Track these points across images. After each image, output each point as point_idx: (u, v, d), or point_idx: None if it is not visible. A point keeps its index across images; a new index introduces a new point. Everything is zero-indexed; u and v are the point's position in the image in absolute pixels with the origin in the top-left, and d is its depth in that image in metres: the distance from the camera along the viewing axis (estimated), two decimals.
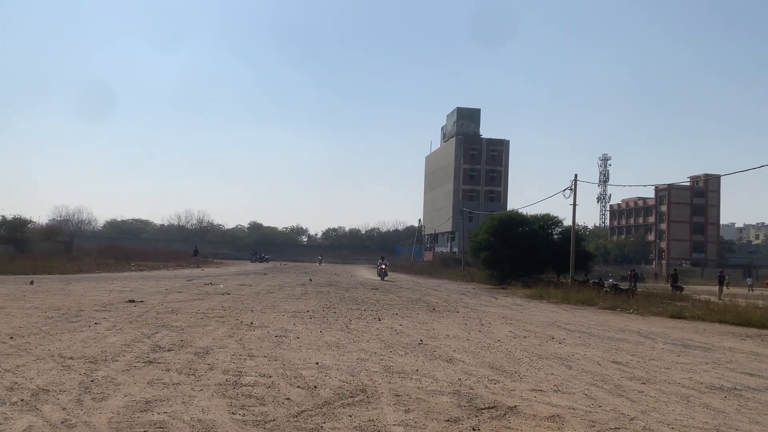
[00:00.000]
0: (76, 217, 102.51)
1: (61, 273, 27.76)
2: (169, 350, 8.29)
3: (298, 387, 6.41)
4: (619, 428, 5.47)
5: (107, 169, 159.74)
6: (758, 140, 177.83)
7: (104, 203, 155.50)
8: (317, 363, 7.81)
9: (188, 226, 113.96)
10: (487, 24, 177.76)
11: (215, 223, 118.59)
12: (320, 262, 71.54)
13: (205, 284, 23.99)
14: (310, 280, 31.66)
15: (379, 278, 36.13)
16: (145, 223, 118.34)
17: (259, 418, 5.17)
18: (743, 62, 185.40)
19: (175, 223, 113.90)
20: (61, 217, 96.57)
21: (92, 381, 6.27)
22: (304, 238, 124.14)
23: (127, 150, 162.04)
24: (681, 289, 32.27)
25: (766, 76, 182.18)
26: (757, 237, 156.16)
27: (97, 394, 5.77)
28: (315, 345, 9.36)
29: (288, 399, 5.87)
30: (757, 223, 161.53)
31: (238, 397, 5.88)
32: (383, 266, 37.72)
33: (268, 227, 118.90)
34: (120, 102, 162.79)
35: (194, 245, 59.70)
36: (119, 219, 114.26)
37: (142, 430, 4.72)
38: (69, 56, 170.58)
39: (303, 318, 13.15)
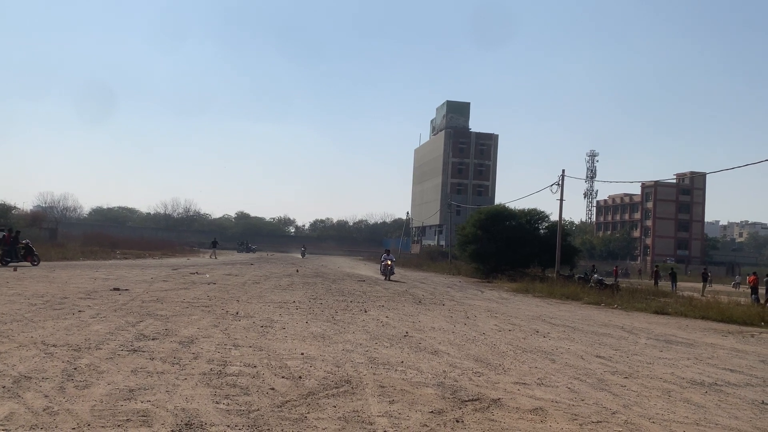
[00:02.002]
0: (61, 204, 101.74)
1: (45, 260, 27.50)
2: (153, 339, 8.26)
3: (283, 377, 6.41)
4: (601, 422, 5.53)
5: (93, 156, 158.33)
6: (744, 139, 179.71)
7: (90, 191, 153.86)
8: (302, 354, 7.81)
9: (175, 214, 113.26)
10: (481, 20, 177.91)
11: (202, 212, 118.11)
12: (303, 254, 61.73)
13: (191, 273, 23.89)
14: (297, 271, 31.62)
15: (384, 277, 29.15)
16: (131, 211, 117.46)
17: (243, 408, 5.17)
18: (730, 62, 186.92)
19: (162, 212, 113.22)
20: (45, 203, 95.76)
21: (75, 369, 6.23)
22: (292, 229, 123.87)
23: (114, 138, 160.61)
24: (657, 282, 33.46)
25: (753, 76, 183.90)
26: (740, 235, 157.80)
27: (80, 381, 5.73)
28: (301, 336, 9.36)
29: (272, 389, 5.87)
30: (741, 221, 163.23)
31: (222, 386, 5.87)
32: (389, 262, 29.53)
33: (255, 217, 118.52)
34: (109, 90, 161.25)
35: (213, 237, 56.44)
36: (105, 207, 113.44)
37: (125, 418, 4.70)
38: (54, 43, 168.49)
39: (289, 309, 13.14)
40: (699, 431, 5.45)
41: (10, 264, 23.43)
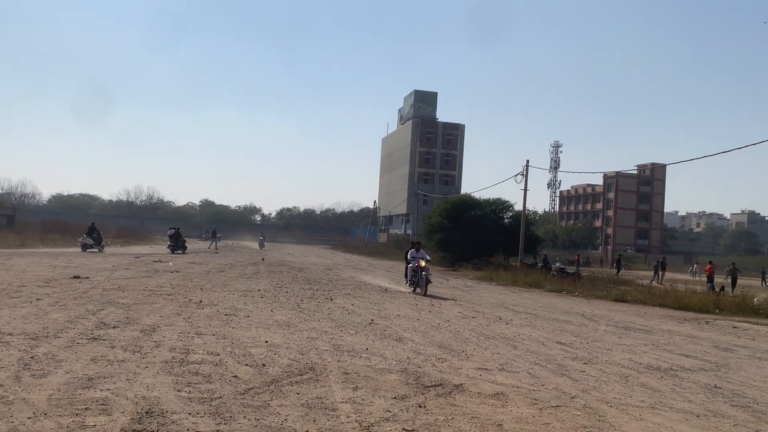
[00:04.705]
0: (19, 190, 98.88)
1: (2, 248, 26.74)
2: (114, 327, 8.12)
3: (247, 365, 6.38)
4: (560, 406, 5.65)
5: (53, 142, 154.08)
6: (703, 131, 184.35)
7: (49, 177, 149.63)
8: (267, 341, 7.78)
9: (137, 202, 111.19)
10: (448, 11, 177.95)
11: (165, 199, 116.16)
12: (262, 244, 51.72)
13: (154, 261, 23.52)
14: (263, 259, 31.40)
15: (412, 289, 17.61)
16: (93, 198, 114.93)
17: (205, 396, 5.13)
18: (691, 56, 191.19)
19: (124, 199, 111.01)
20: (3, 189, 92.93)
21: (32, 357, 6.09)
22: (258, 217, 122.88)
23: (75, 123, 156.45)
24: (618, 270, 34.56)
25: (712, 69, 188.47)
26: (698, 225, 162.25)
27: (37, 370, 5.61)
28: (265, 324, 9.32)
29: (235, 377, 5.84)
30: (699, 212, 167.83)
31: (184, 374, 5.81)
32: (422, 263, 17.18)
33: (221, 205, 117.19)
34: (67, 73, 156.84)
35: (213, 227, 53.78)
36: (65, 194, 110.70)
37: (84, 407, 4.62)
38: (8, 20, 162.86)
39: (254, 297, 13.05)
40: (654, 414, 5.61)
41: None
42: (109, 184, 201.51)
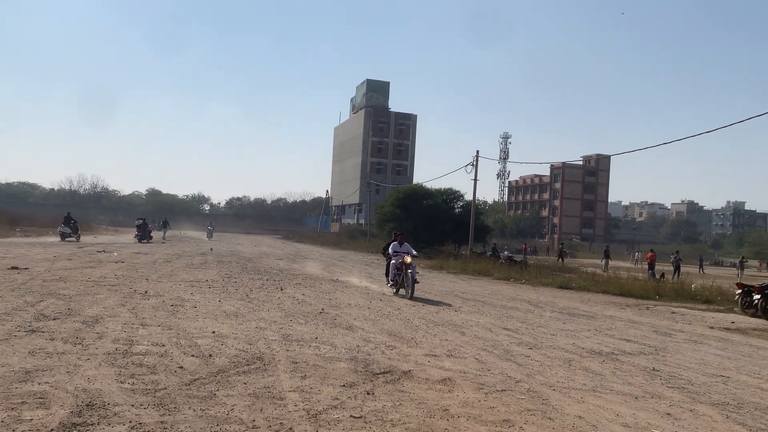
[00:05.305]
0: None
1: None
2: (54, 319, 7.85)
3: (193, 356, 6.28)
4: (505, 390, 5.78)
5: None
6: (646, 123, 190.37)
7: None
8: (214, 332, 7.67)
9: (81, 191, 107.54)
10: (400, 2, 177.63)
11: (110, 188, 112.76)
12: (211, 234, 49.32)
13: (98, 252, 22.83)
14: (211, 249, 30.89)
15: (395, 290, 14.62)
16: (33, 186, 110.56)
17: (149, 387, 5.03)
18: (633, 51, 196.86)
19: (67, 188, 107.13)
20: None
21: None
22: (207, 207, 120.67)
23: (15, 108, 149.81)
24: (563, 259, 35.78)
25: (652, 64, 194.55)
26: (640, 215, 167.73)
27: None
28: (213, 314, 9.18)
29: (181, 367, 5.74)
30: (641, 202, 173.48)
31: (127, 366, 5.67)
32: (407, 259, 14.26)
33: (168, 194, 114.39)
34: (11, 59, 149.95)
35: (164, 216, 51.52)
36: (3, 182, 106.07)
37: (20, 401, 4.46)
38: None
39: (201, 287, 12.84)
40: (595, 397, 5.80)
41: None
42: (50, 172, 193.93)
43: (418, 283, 14.26)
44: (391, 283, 14.76)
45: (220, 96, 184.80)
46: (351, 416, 4.64)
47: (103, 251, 23.28)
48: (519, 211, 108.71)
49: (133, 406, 4.51)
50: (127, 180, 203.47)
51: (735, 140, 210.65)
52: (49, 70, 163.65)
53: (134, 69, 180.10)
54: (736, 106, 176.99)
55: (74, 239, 31.72)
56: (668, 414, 5.37)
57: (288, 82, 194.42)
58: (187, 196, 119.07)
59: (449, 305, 12.81)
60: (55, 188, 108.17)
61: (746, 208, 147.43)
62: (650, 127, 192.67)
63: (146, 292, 11.24)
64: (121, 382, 5.10)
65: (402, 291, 14.24)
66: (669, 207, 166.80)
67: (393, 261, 14.70)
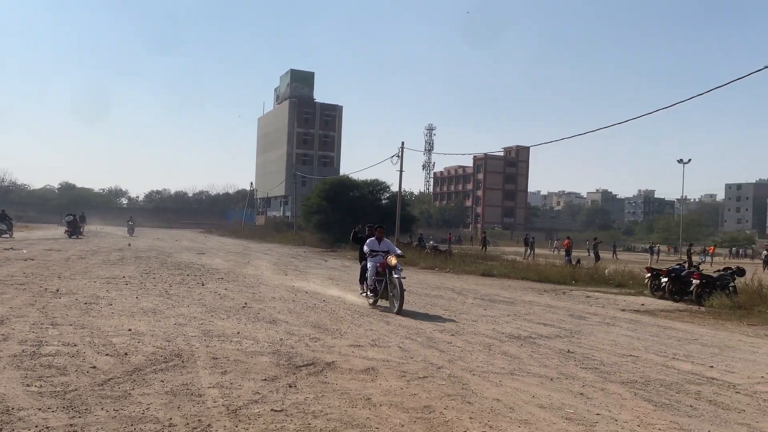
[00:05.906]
0: None
1: None
2: None
3: (107, 355, 6.03)
4: (427, 377, 5.88)
5: None
6: (563, 116, 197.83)
7: None
8: (130, 330, 7.40)
9: None
10: None
11: (19, 182, 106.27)
12: (132, 229, 46.70)
13: (5, 249, 21.51)
14: (129, 245, 29.74)
15: (372, 300, 11.34)
16: None
17: (58, 389, 4.79)
18: (552, 47, 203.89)
19: None
20: None
21: None
22: (124, 201, 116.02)
23: None
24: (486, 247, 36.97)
25: (570, 59, 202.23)
26: (558, 203, 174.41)
27: None
28: (129, 311, 8.85)
29: (94, 367, 5.51)
30: (559, 191, 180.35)
31: (35, 368, 5.39)
32: (392, 259, 11.02)
33: (82, 188, 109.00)
34: None
35: (81, 211, 46.89)
36: None
37: None
38: None
39: (118, 284, 12.34)
40: (513, 380, 5.99)
41: None
42: None
43: (406, 290, 10.93)
44: (367, 292, 11.57)
45: (137, 84, 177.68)
46: (272, 410, 4.60)
47: (12, 249, 21.96)
48: (444, 202, 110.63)
49: (40, 409, 4.30)
50: (37, 174, 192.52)
51: (645, 132, 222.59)
52: None
53: (40, 54, 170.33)
54: (644, 100, 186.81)
55: (8, 236, 31.31)
56: (581, 394, 5.62)
57: (209, 71, 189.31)
58: (103, 189, 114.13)
59: (454, 321, 10.58)
60: None
61: (656, 196, 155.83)
62: (567, 120, 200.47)
63: (58, 290, 10.71)
64: (28, 386, 4.84)
65: (383, 302, 11.18)
66: (585, 196, 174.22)
67: (371, 263, 11.37)
